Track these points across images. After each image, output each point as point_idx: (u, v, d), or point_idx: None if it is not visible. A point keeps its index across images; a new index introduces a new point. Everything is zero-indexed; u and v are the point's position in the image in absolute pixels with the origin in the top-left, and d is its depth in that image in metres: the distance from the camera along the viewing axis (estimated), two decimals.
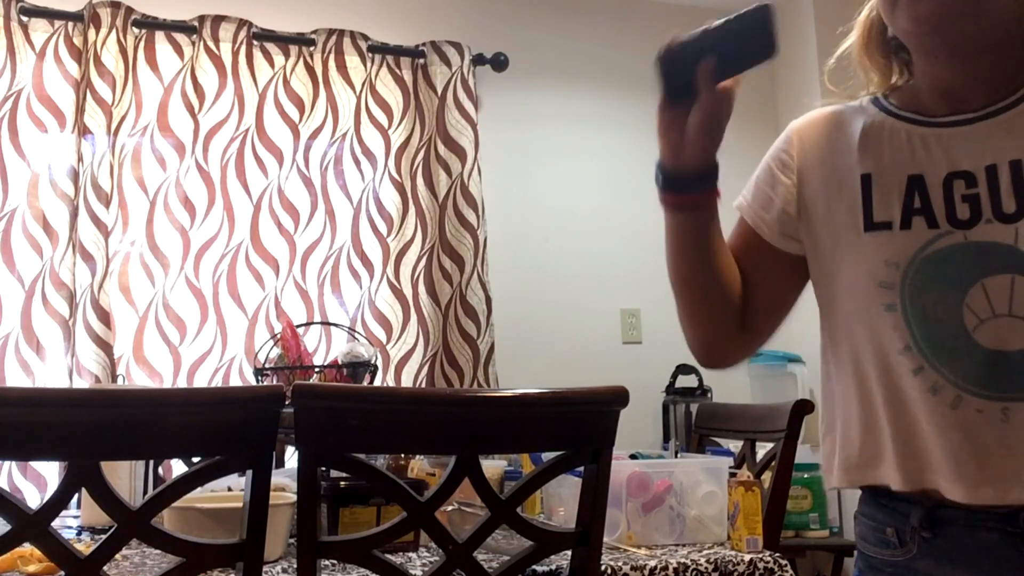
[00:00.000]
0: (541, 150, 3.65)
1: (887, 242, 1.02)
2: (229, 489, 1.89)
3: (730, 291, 1.12)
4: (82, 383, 2.87)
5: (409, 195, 3.36)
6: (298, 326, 2.92)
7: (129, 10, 3.10)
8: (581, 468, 1.38)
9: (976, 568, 0.98)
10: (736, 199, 1.19)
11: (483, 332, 3.32)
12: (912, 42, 1.05)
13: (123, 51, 3.08)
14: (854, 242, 1.05)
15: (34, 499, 2.77)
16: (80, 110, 3.02)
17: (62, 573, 1.12)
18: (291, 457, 2.65)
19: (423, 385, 3.26)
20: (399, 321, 3.30)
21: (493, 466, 2.10)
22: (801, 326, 1.40)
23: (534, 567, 1.50)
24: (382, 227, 3.34)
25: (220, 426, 1.17)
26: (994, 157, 0.99)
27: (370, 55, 3.38)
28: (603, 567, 1.57)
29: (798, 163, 1.13)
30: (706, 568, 1.66)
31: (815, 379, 3.46)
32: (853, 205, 1.05)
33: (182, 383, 3.04)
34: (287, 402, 1.20)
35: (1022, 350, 0.95)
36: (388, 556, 1.32)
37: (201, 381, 3.06)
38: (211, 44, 3.19)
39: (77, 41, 3.09)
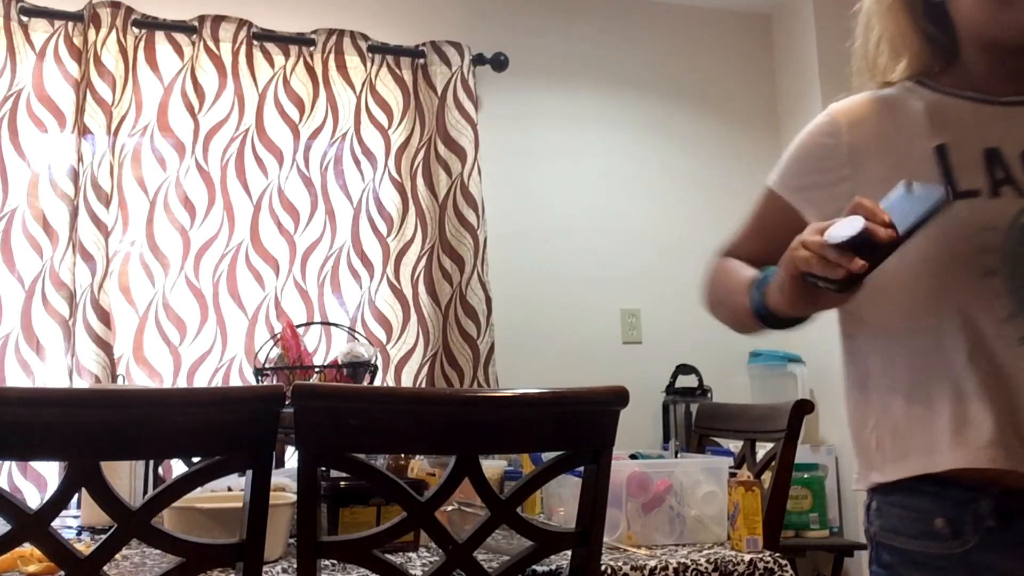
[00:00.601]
0: (541, 150, 3.65)
1: (981, 208, 1.00)
2: (229, 489, 1.89)
3: None
4: (82, 383, 2.87)
5: (409, 195, 3.36)
6: (298, 326, 2.92)
7: (129, 10, 3.10)
8: (581, 468, 1.38)
9: None
10: (770, 178, 1.19)
11: (483, 332, 3.32)
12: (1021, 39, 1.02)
13: (123, 51, 3.08)
14: None
15: (34, 499, 2.77)
16: (80, 110, 3.02)
17: (62, 573, 1.12)
18: (291, 457, 2.65)
19: (423, 385, 3.26)
20: (399, 321, 3.30)
21: (493, 466, 2.10)
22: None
23: (534, 567, 1.50)
24: (382, 227, 3.34)
25: (220, 426, 1.17)
26: None
27: (370, 55, 3.38)
28: (603, 567, 1.57)
29: (851, 146, 1.10)
30: (706, 568, 1.66)
31: (815, 379, 3.49)
32: (930, 177, 1.02)
33: (182, 383, 3.04)
34: (287, 402, 1.20)
35: None
36: (388, 556, 1.32)
37: (201, 381, 3.06)
38: (211, 44, 3.19)
39: (77, 41, 3.09)
